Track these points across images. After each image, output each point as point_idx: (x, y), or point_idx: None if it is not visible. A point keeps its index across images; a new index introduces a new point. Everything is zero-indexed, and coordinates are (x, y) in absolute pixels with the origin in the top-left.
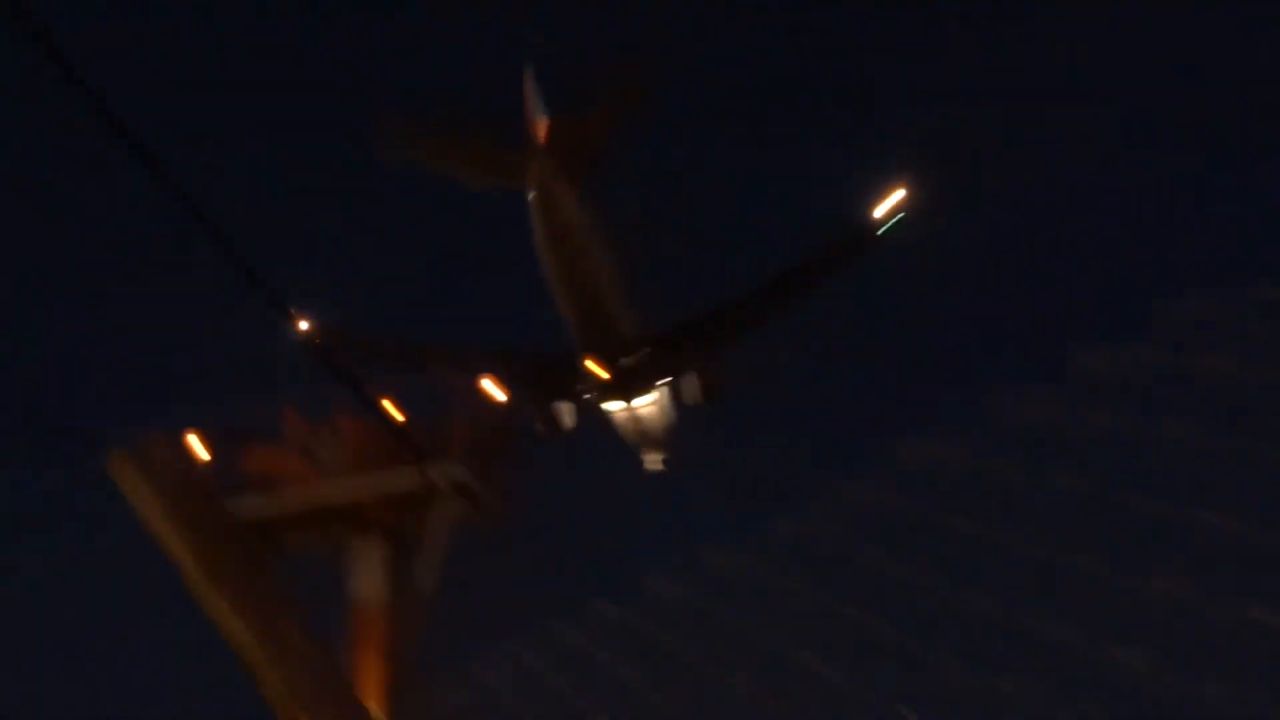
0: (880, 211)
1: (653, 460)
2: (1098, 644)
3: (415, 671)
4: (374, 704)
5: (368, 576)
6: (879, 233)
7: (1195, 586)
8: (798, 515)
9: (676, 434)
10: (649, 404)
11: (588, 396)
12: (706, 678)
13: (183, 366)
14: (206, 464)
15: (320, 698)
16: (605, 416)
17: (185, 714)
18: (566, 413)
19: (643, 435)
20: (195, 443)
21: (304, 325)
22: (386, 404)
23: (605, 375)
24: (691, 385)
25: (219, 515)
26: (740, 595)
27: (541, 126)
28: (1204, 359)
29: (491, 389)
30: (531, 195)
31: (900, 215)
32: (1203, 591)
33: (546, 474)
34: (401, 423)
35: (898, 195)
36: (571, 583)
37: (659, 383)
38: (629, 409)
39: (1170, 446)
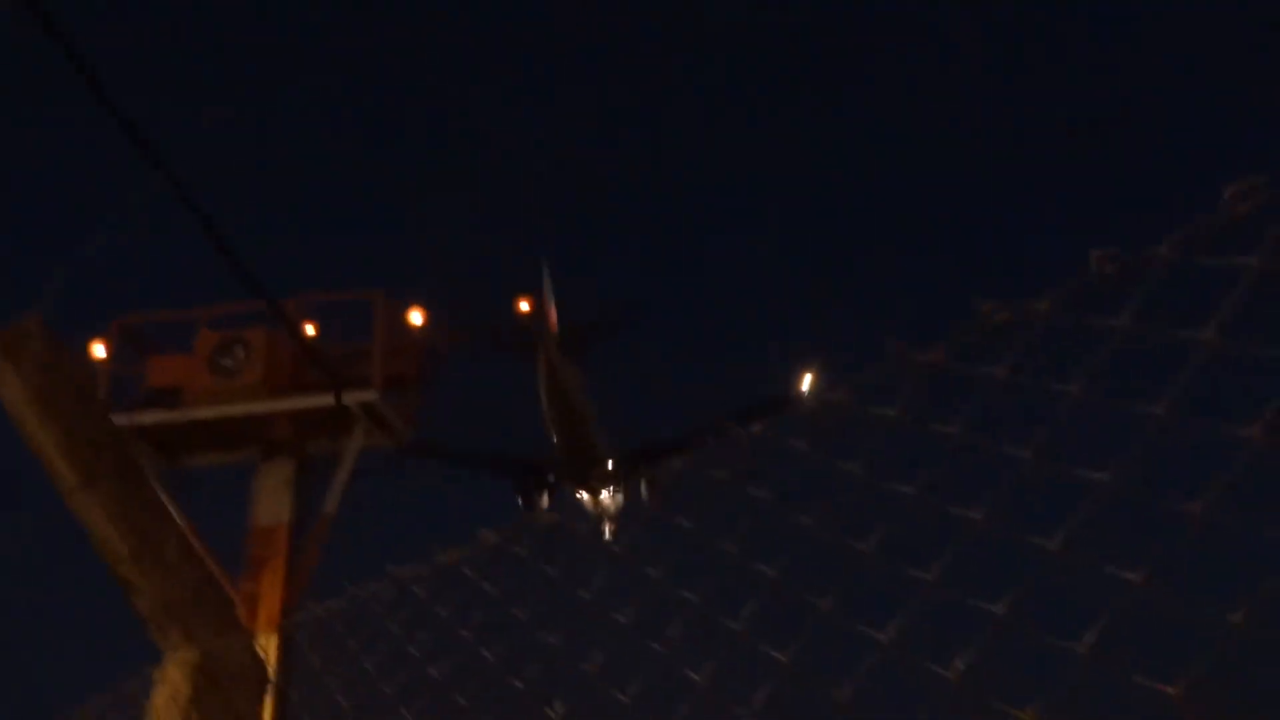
0: (799, 388)
1: (610, 530)
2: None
3: (308, 593)
4: (267, 625)
5: (272, 498)
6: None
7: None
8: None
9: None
10: (608, 497)
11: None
12: (586, 610)
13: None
14: (97, 363)
15: (197, 613)
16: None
17: (53, 625)
18: (545, 498)
19: (603, 513)
20: (98, 348)
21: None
22: (303, 325)
23: (580, 485)
24: (641, 488)
25: (97, 416)
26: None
27: (553, 321)
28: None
29: (413, 317)
30: (542, 367)
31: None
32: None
33: (459, 403)
34: (317, 345)
35: (809, 377)
36: (461, 511)
37: (617, 485)
38: (595, 500)
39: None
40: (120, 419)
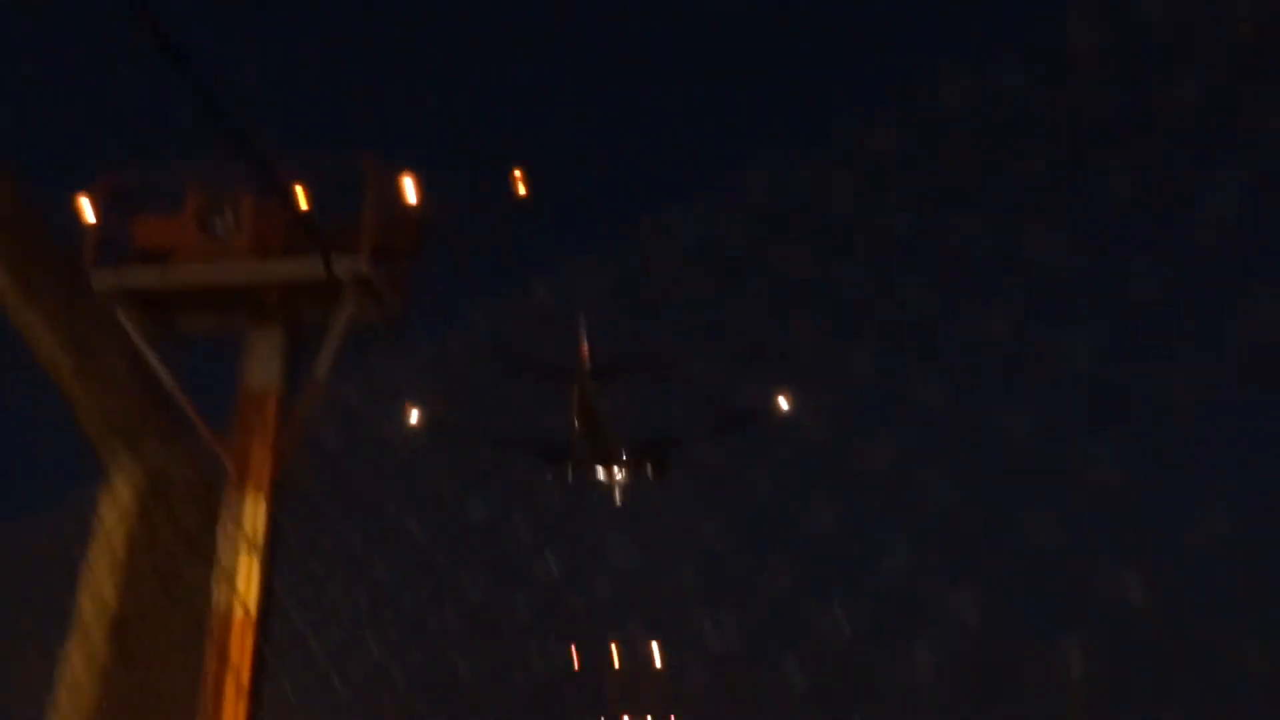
0: (772, 407)
1: (619, 497)
2: None
3: (298, 460)
4: (256, 489)
5: (262, 364)
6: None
7: None
8: None
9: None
10: (619, 474)
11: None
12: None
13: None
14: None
15: (143, 431)
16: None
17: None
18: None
19: (614, 485)
20: (84, 204)
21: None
22: (295, 189)
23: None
24: (648, 468)
25: (38, 232)
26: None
27: (586, 355)
28: None
29: (407, 187)
30: (576, 392)
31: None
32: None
33: (451, 278)
34: (308, 211)
35: (782, 399)
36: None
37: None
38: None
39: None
40: (107, 279)
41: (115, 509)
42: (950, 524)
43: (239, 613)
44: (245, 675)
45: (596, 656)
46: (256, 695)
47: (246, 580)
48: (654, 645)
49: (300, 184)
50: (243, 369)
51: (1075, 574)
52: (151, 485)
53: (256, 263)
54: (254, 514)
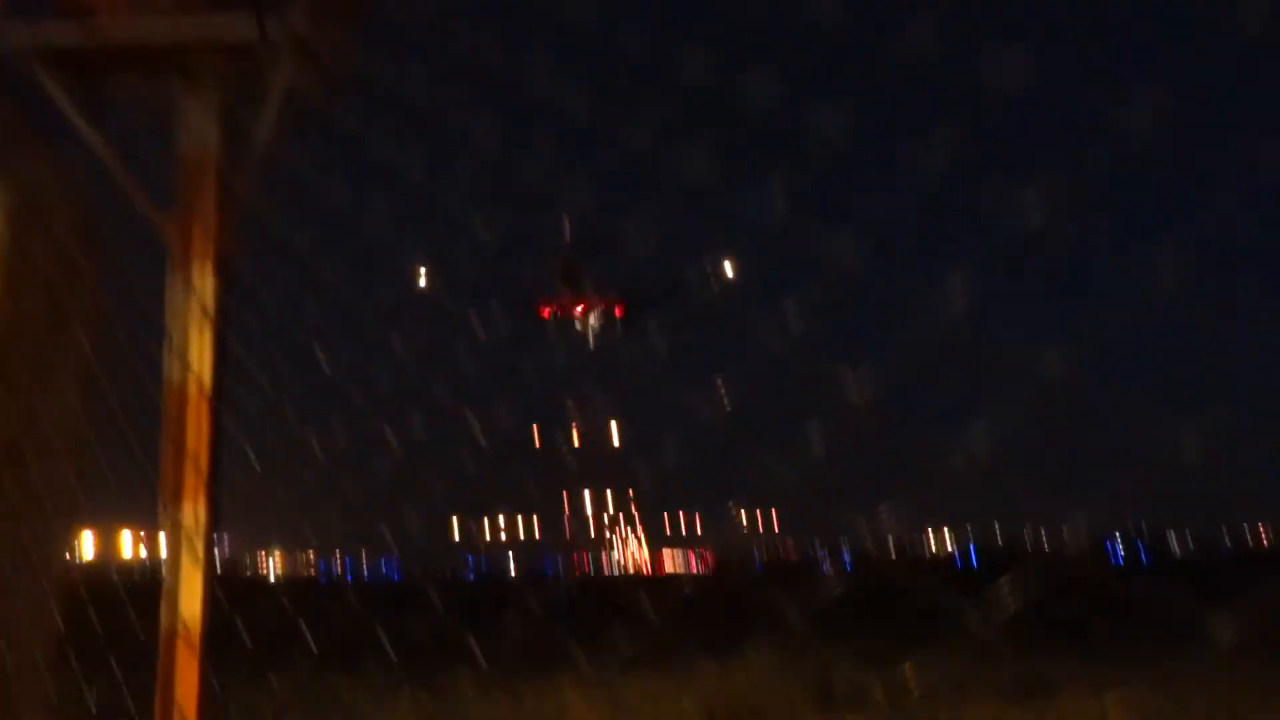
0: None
1: (592, 339)
2: None
3: (243, 229)
4: (202, 260)
5: (196, 131)
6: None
7: None
8: None
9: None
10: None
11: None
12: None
13: None
14: None
15: (13, 149)
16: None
17: None
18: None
19: (588, 329)
20: None
21: None
22: None
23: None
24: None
25: None
26: None
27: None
28: None
29: None
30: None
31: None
32: None
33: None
34: None
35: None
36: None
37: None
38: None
39: None
40: (20, 36)
41: None
42: None
43: (193, 388)
44: (204, 457)
45: (559, 434)
46: (215, 473)
47: (199, 356)
48: (612, 423)
49: None
50: (178, 136)
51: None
52: (21, 198)
53: (184, 18)
54: (201, 288)
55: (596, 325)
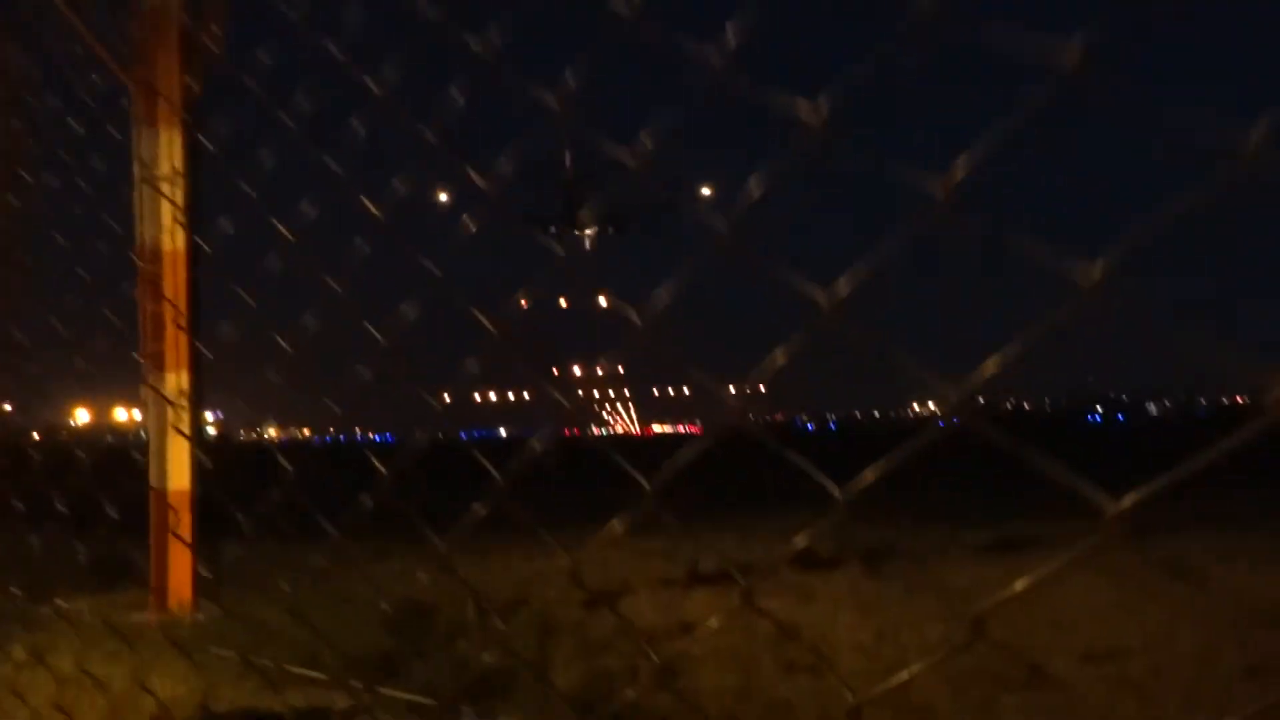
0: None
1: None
2: None
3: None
4: (168, 117)
5: None
6: None
7: None
8: None
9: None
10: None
11: None
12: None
13: None
14: None
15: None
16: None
17: None
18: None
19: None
20: None
21: None
22: None
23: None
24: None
25: None
26: None
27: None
28: None
29: None
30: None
31: None
32: None
33: None
34: None
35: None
36: None
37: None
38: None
39: None
40: None
41: None
42: None
43: (167, 245)
44: (183, 309)
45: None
46: (195, 328)
47: (168, 217)
48: (600, 297)
49: None
50: None
51: None
52: None
53: None
54: (169, 145)
55: (593, 234)
